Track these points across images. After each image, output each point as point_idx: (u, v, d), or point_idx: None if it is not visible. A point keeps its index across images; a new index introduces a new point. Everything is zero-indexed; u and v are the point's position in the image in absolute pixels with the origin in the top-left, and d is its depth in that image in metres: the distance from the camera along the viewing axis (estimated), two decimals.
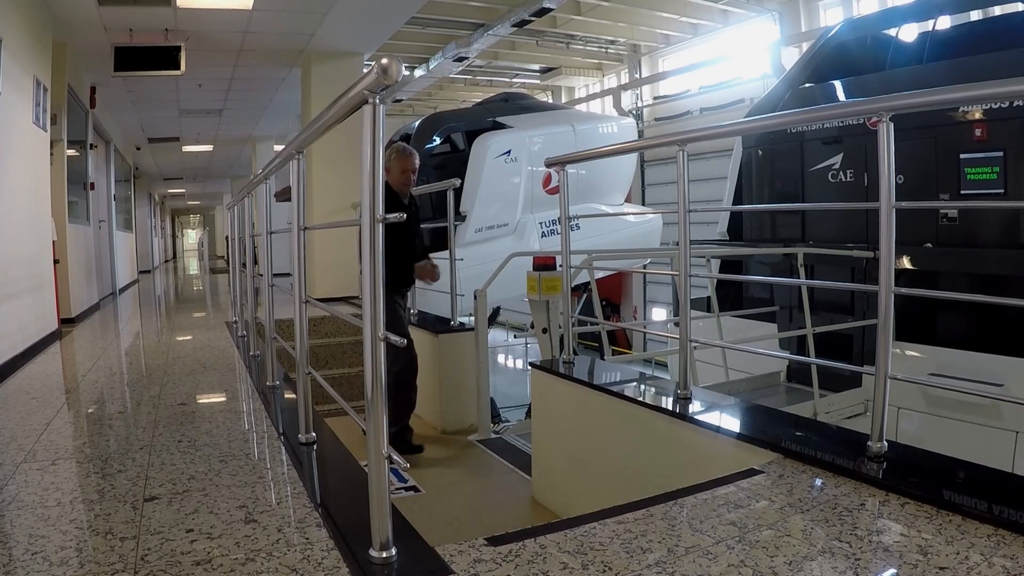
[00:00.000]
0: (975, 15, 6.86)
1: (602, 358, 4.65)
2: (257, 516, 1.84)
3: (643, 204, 15.37)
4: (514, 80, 17.29)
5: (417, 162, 4.08)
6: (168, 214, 31.41)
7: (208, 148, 14.24)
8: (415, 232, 4.26)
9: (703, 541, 1.56)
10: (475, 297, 4.79)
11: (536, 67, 16.86)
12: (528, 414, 5.13)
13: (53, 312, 5.58)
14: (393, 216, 1.49)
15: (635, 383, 3.12)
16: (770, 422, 2.48)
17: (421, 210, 4.49)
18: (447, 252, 5.04)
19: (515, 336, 10.37)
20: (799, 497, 1.78)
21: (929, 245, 4.67)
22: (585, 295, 8.91)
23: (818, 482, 1.87)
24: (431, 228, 5.90)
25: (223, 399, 3.53)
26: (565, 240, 3.38)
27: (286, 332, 3.35)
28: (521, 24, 11.13)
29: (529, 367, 3.64)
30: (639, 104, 15.93)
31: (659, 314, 15.16)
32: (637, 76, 15.94)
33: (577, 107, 15.59)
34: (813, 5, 12.28)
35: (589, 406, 2.99)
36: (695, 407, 2.57)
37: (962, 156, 4.52)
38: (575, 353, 3.39)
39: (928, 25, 5.89)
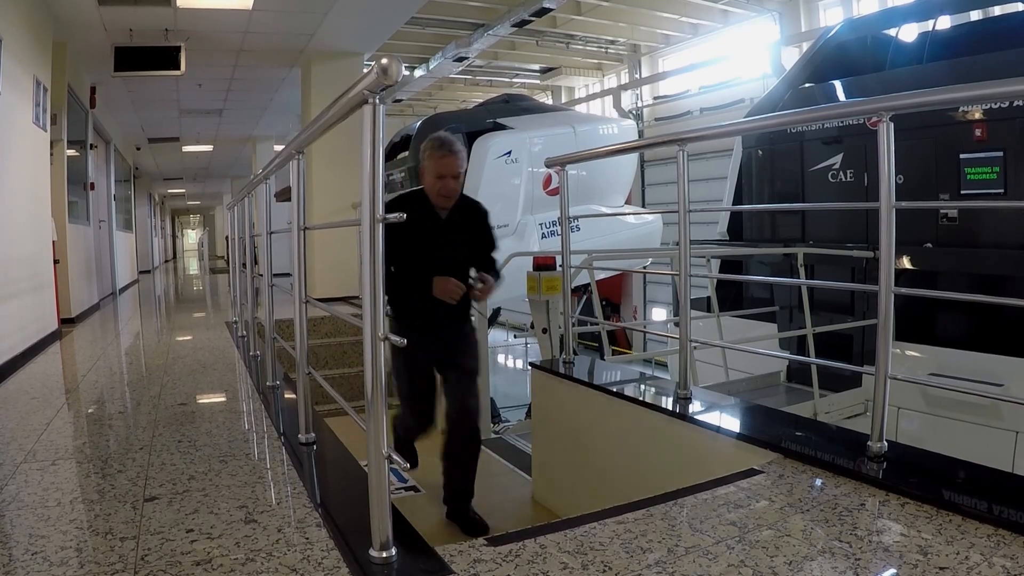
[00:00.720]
0: (975, 15, 6.86)
1: (602, 358, 4.65)
2: (257, 516, 1.84)
3: (643, 204, 15.34)
4: (514, 80, 17.28)
5: (461, 164, 2.96)
6: (168, 214, 31.38)
7: (208, 148, 14.24)
8: (453, 251, 2.99)
9: (703, 541, 1.56)
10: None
11: (536, 67, 16.85)
12: (528, 414, 5.13)
13: (53, 312, 5.58)
14: (393, 216, 1.48)
15: (635, 383, 3.12)
16: (770, 422, 2.48)
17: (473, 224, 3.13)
18: None
19: (515, 336, 10.37)
20: (799, 497, 1.78)
21: (929, 245, 4.67)
22: (585, 296, 8.91)
23: (818, 482, 1.87)
24: None
25: (223, 399, 3.53)
26: (565, 240, 3.38)
27: (286, 332, 3.34)
28: (521, 24, 11.12)
29: (529, 367, 3.64)
30: (639, 104, 15.92)
31: (659, 314, 15.15)
32: (637, 76, 15.93)
33: (577, 107, 15.58)
34: (813, 5, 12.28)
35: (589, 406, 2.99)
36: (695, 407, 2.57)
37: (962, 156, 4.52)
38: (575, 353, 3.39)
39: (928, 25, 5.88)
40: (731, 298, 5.82)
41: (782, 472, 1.94)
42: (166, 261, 26.07)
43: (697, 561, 1.47)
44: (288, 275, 2.66)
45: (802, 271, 4.84)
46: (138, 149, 13.63)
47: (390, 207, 2.85)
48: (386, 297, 2.70)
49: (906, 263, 4.68)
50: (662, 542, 1.57)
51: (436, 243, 2.94)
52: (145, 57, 6.55)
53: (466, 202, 3.17)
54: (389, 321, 2.90)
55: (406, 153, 9.17)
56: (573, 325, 3.57)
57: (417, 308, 2.96)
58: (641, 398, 2.81)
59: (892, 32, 6.11)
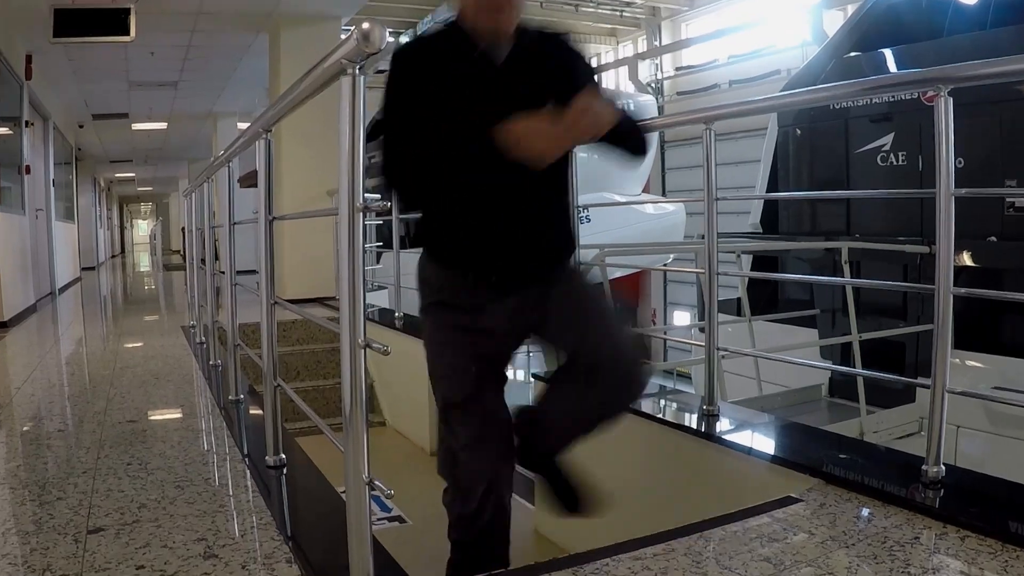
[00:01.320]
0: None
1: None
2: (218, 550, 1.85)
3: (663, 192, 15.38)
4: None
5: None
6: (116, 202, 31.46)
7: (162, 126, 14.27)
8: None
9: None
10: None
11: None
12: None
13: None
14: (377, 204, 1.48)
15: (654, 398, 3.12)
16: (810, 443, 2.49)
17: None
18: None
19: None
20: (843, 529, 1.78)
21: (993, 239, 4.67)
22: None
23: (865, 512, 1.87)
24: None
25: (179, 416, 3.53)
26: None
27: (251, 338, 3.35)
28: None
29: (532, 379, 3.64)
30: (659, 76, 15.96)
31: (682, 318, 15.18)
32: (656, 44, 15.97)
33: None
34: None
35: None
36: (723, 425, 2.58)
37: None
38: None
39: None
40: (765, 300, 5.83)
41: (823, 500, 1.95)
42: (114, 256, 26.12)
43: None
44: (254, 272, 2.66)
45: (846, 268, 4.85)
46: (81, 127, 13.65)
47: (401, 53, 1.94)
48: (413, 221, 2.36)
49: (967, 259, 4.68)
50: None
51: (491, 107, 1.77)
52: (89, 21, 6.55)
53: (540, 36, 1.97)
54: (423, 266, 2.02)
55: None
56: None
57: (465, 238, 1.93)
58: (661, 415, 2.81)
59: None
